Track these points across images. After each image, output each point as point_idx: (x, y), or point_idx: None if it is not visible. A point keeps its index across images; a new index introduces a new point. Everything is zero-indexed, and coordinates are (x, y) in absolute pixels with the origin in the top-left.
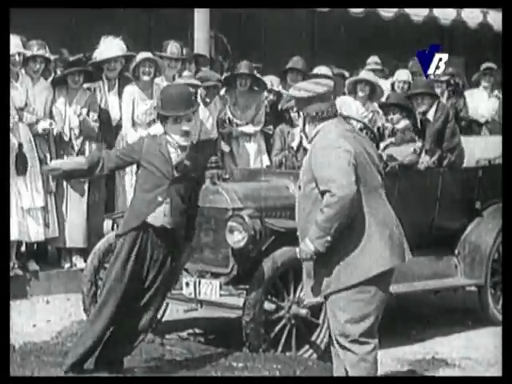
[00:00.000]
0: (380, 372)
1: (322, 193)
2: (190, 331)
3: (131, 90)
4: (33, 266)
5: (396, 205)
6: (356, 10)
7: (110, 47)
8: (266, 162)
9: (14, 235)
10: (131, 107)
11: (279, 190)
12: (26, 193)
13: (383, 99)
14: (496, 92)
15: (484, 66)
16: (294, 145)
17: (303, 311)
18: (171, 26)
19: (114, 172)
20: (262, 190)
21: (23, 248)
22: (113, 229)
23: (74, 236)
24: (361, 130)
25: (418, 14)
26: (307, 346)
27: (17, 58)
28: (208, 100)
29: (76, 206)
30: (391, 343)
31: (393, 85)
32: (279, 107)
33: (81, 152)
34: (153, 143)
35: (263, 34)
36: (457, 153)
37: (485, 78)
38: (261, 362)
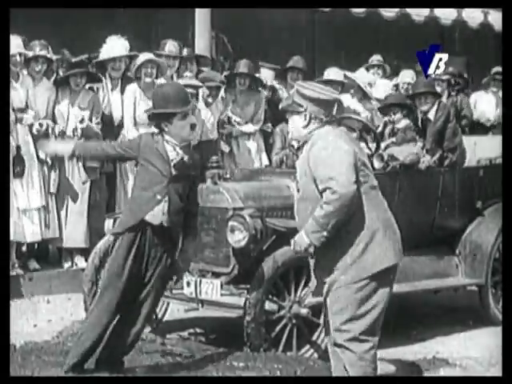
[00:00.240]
0: (380, 372)
1: (322, 191)
2: (191, 331)
3: (133, 88)
4: (34, 265)
5: (397, 204)
6: (357, 10)
7: (115, 47)
8: (264, 160)
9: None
10: (133, 106)
11: (280, 190)
12: (21, 193)
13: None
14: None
15: (494, 70)
16: (295, 143)
17: (304, 311)
18: (172, 26)
19: (114, 163)
20: (263, 189)
21: (24, 248)
22: None
23: (75, 236)
24: (361, 129)
25: (419, 14)
26: (308, 346)
27: (17, 58)
28: (210, 100)
29: (77, 206)
30: (391, 343)
31: (397, 86)
32: (280, 107)
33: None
34: (150, 140)
35: (264, 34)
36: (458, 152)
37: (494, 82)
38: (262, 362)
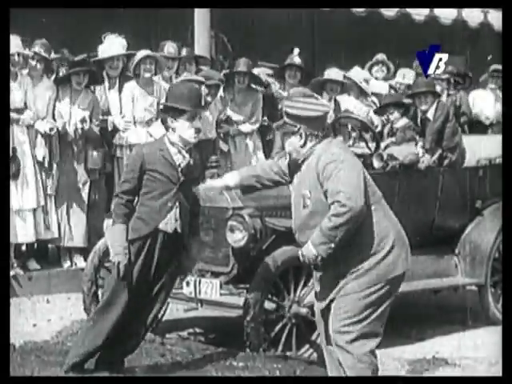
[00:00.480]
0: (380, 372)
1: (330, 204)
2: (191, 330)
3: (131, 86)
4: (33, 265)
5: (396, 204)
6: (358, 9)
7: (113, 45)
8: (261, 159)
9: None
10: (131, 104)
11: (280, 189)
12: (15, 194)
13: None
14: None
15: (492, 67)
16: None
17: (303, 310)
18: (171, 25)
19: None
20: (263, 189)
21: (23, 247)
22: None
23: (74, 236)
24: (361, 129)
25: (419, 13)
26: (307, 346)
27: (16, 58)
28: (209, 99)
29: (76, 206)
30: (391, 343)
31: (391, 86)
32: (279, 106)
33: (81, 153)
34: (152, 150)
35: (264, 34)
36: (457, 152)
37: (492, 79)
38: (261, 362)
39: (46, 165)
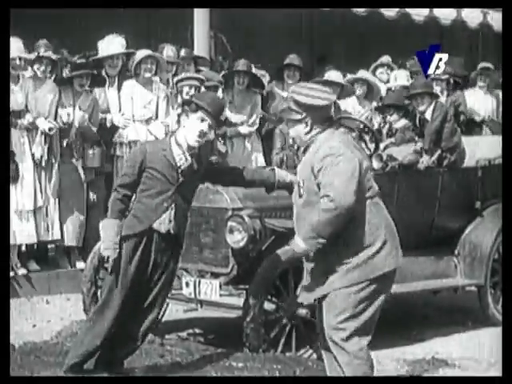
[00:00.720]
0: (380, 372)
1: (321, 197)
2: (190, 331)
3: (130, 84)
4: (33, 266)
5: (396, 205)
6: (358, 9)
7: (112, 44)
8: (260, 161)
9: None
10: (130, 102)
11: (279, 190)
12: (14, 196)
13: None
14: (493, 91)
15: (480, 65)
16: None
17: (303, 311)
18: (171, 26)
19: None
20: (262, 189)
21: (23, 248)
22: None
23: (71, 235)
24: (360, 130)
25: (419, 13)
26: (307, 346)
27: (17, 61)
28: None
29: (75, 206)
30: (391, 343)
31: (389, 89)
32: (279, 107)
33: (80, 154)
34: (156, 149)
35: (263, 34)
36: (457, 153)
37: (481, 77)
38: (261, 362)
39: (44, 164)
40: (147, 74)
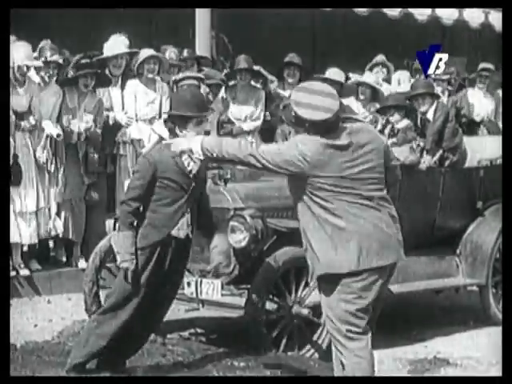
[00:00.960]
0: (381, 372)
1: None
2: (192, 331)
3: (134, 83)
4: (34, 265)
5: (398, 205)
6: (360, 9)
7: (116, 44)
8: None
9: None
10: (133, 101)
11: (281, 190)
12: (17, 198)
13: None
14: (493, 92)
15: (481, 66)
16: None
17: (305, 311)
18: (172, 26)
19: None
20: (264, 189)
21: (25, 248)
22: (114, 228)
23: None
24: None
25: (421, 13)
26: (309, 346)
27: (25, 69)
28: (210, 98)
29: (77, 207)
30: (392, 343)
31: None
32: (280, 106)
33: (84, 156)
34: (164, 157)
35: (264, 34)
36: (458, 153)
37: (481, 78)
38: (262, 362)
39: (49, 168)
40: (150, 75)
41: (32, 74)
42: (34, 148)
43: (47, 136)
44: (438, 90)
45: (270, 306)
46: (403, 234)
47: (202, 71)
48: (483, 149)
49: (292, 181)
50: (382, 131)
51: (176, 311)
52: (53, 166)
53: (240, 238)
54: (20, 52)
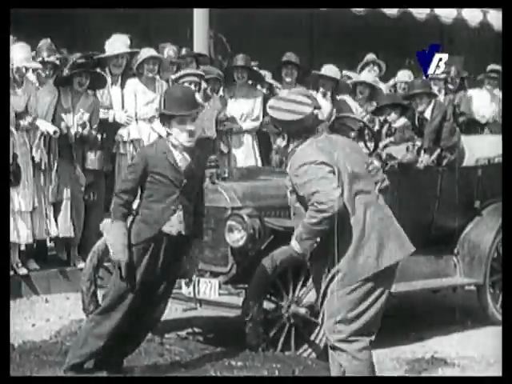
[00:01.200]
0: (378, 371)
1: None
2: (189, 330)
3: (133, 82)
4: (32, 265)
5: (395, 204)
6: (359, 8)
7: (116, 43)
8: (258, 158)
9: None
10: (133, 99)
11: (278, 189)
12: (15, 197)
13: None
14: (499, 94)
15: (490, 67)
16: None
17: (302, 310)
18: (170, 25)
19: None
20: (262, 188)
21: (23, 248)
22: None
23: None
24: (360, 129)
25: (420, 12)
26: (306, 345)
27: (23, 70)
28: (209, 94)
29: (75, 206)
30: (390, 343)
31: (395, 85)
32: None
33: (81, 156)
34: (156, 152)
35: (263, 34)
36: (456, 152)
37: (489, 80)
38: (260, 361)
39: (43, 167)
40: (150, 74)
41: (29, 74)
42: (31, 148)
43: (42, 134)
44: (435, 88)
45: (267, 305)
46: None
47: (199, 69)
48: (481, 148)
49: None
50: (379, 131)
51: (173, 311)
52: (47, 165)
53: (238, 238)
54: (19, 53)
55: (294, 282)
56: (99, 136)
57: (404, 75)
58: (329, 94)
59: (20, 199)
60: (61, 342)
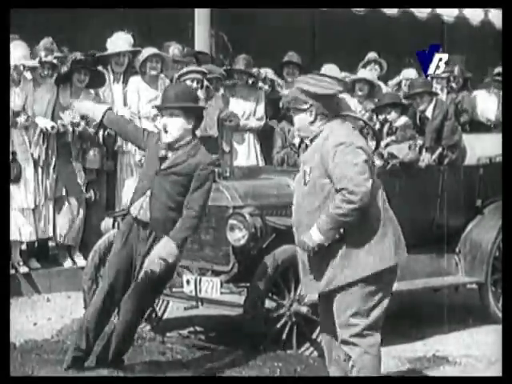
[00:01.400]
0: (381, 370)
1: (338, 190)
2: (191, 329)
3: (136, 80)
4: (34, 263)
5: (397, 202)
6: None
7: (119, 42)
8: (259, 157)
9: None
10: (136, 97)
11: (280, 188)
12: (17, 195)
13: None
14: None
15: (496, 70)
16: (296, 142)
17: (304, 309)
18: (172, 24)
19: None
20: (263, 187)
21: (24, 246)
22: (113, 227)
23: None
24: (361, 128)
25: (421, 11)
26: (308, 344)
27: (21, 68)
28: (212, 92)
29: (74, 205)
30: (392, 341)
31: (399, 83)
32: (280, 105)
33: (79, 155)
34: (153, 137)
35: (263, 34)
36: (458, 150)
37: (495, 83)
38: (261, 360)
39: (42, 164)
40: (153, 72)
41: (27, 73)
42: (30, 145)
43: (41, 131)
44: (436, 87)
45: (269, 304)
46: (402, 232)
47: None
48: (483, 146)
49: None
50: (380, 130)
51: (175, 309)
52: (45, 161)
53: (239, 236)
54: (17, 51)
55: (295, 281)
56: (100, 134)
57: (409, 73)
58: None
59: (22, 196)
60: (62, 340)
